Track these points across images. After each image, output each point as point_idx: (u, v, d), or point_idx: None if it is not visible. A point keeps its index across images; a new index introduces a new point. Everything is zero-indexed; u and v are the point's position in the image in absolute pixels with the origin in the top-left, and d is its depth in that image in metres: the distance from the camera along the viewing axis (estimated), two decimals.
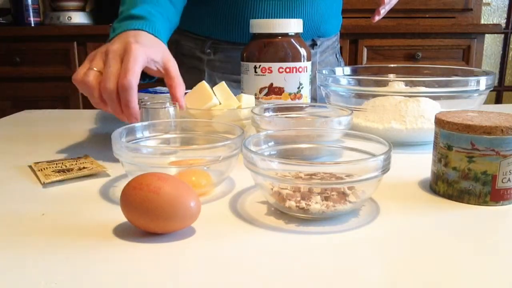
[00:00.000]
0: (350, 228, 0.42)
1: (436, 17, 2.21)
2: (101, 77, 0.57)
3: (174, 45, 1.02)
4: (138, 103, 0.58)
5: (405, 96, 0.69)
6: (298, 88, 0.76)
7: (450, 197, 0.49)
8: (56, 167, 0.57)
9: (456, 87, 0.68)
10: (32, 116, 0.99)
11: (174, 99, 0.63)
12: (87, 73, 0.58)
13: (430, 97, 0.69)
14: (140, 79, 0.60)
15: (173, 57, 0.65)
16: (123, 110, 0.57)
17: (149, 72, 0.64)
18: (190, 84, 0.81)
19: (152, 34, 0.65)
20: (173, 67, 0.64)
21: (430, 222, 0.43)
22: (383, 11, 0.89)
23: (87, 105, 2.10)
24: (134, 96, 0.57)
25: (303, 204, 0.42)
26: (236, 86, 0.90)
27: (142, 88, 0.82)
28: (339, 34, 1.11)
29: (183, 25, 0.97)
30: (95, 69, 0.58)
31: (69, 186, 0.53)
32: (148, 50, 0.61)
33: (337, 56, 1.09)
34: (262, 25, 0.75)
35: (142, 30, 0.64)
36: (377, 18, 0.89)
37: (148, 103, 0.62)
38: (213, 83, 0.97)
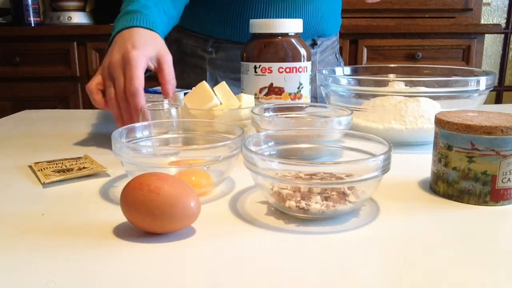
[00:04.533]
0: (350, 228, 0.42)
1: (436, 17, 2.21)
2: (109, 92, 0.64)
3: (176, 44, 1.02)
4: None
5: (405, 96, 0.69)
6: (298, 88, 0.76)
7: (450, 197, 0.49)
8: (56, 167, 0.57)
9: (456, 87, 0.68)
10: (32, 116, 0.99)
11: (165, 95, 0.67)
12: (96, 95, 0.66)
13: (430, 97, 0.69)
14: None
15: (167, 50, 0.69)
16: (133, 113, 0.62)
17: (148, 68, 0.68)
18: (192, 82, 0.82)
19: (147, 28, 0.68)
20: (167, 63, 0.67)
21: (430, 222, 0.43)
22: None
23: (87, 105, 2.11)
24: (142, 99, 0.62)
25: (303, 204, 0.42)
26: (238, 84, 0.90)
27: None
28: (338, 34, 1.11)
29: (185, 24, 0.97)
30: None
31: (69, 186, 0.53)
32: (145, 50, 0.64)
33: (337, 55, 1.09)
34: (262, 25, 0.75)
35: (136, 26, 0.68)
36: None
37: (149, 104, 0.63)
38: (215, 82, 0.97)
